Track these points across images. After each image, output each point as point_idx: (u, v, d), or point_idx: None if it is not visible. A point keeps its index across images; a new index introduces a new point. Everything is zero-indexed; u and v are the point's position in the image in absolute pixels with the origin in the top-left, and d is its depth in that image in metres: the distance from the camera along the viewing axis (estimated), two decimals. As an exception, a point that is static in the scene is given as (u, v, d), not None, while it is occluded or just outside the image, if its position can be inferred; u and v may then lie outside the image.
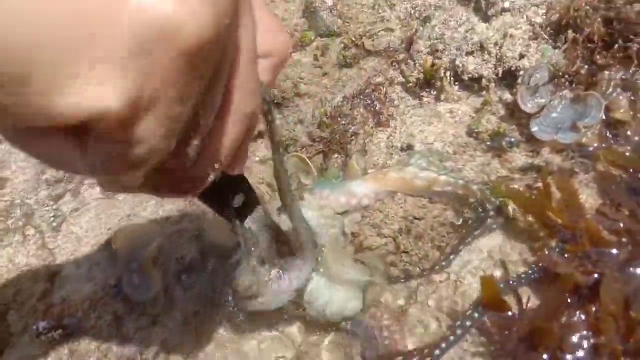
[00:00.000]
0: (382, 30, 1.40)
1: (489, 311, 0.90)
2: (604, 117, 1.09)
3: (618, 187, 1.01)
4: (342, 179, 1.18)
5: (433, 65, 1.23)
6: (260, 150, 1.34)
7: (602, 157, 1.07)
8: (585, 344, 0.85)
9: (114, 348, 1.03)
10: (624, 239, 0.96)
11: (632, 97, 1.11)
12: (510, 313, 0.89)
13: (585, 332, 0.87)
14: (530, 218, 1.02)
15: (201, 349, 1.05)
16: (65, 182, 1.33)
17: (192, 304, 1.11)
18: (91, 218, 1.28)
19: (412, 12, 1.40)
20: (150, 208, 1.24)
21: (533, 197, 1.02)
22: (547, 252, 0.96)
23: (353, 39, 1.42)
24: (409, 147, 1.16)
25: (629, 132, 1.09)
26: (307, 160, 1.19)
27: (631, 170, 1.03)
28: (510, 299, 0.95)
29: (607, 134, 1.09)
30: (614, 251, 0.95)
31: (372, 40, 1.39)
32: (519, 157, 1.14)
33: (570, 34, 1.15)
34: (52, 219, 1.28)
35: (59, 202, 1.32)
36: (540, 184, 1.06)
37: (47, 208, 1.30)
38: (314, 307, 1.01)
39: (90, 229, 1.26)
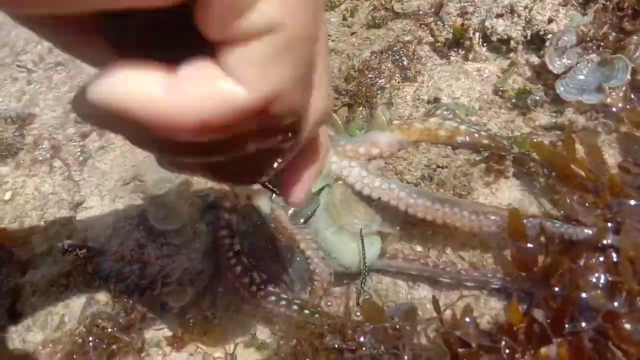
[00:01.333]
0: (412, -6, 1.43)
1: (513, 241, 0.92)
2: (630, 79, 1.11)
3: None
4: (366, 130, 1.20)
5: (463, 25, 1.25)
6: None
7: (625, 118, 1.09)
8: (602, 282, 0.87)
9: (136, 271, 1.05)
10: (644, 193, 0.98)
11: (659, 63, 1.13)
12: (530, 245, 0.91)
13: (603, 274, 0.89)
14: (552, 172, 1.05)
15: (222, 278, 1.07)
16: (93, 121, 1.35)
17: (214, 239, 1.13)
18: (117, 156, 1.30)
19: (443, -22, 1.43)
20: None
21: (557, 150, 1.04)
22: (568, 201, 0.98)
23: (383, 2, 1.44)
24: (436, 100, 1.18)
25: (654, 96, 1.11)
26: (332, 111, 1.21)
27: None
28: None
29: (632, 96, 1.11)
30: (633, 202, 0.97)
31: (402, 4, 1.41)
32: (543, 116, 1.16)
33: (595, 4, 1.17)
34: (79, 154, 1.31)
35: (85, 140, 1.34)
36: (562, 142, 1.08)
37: (74, 144, 1.32)
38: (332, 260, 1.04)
39: (115, 166, 1.28)
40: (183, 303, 1.03)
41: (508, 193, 1.10)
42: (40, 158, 1.28)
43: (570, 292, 0.82)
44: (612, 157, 1.09)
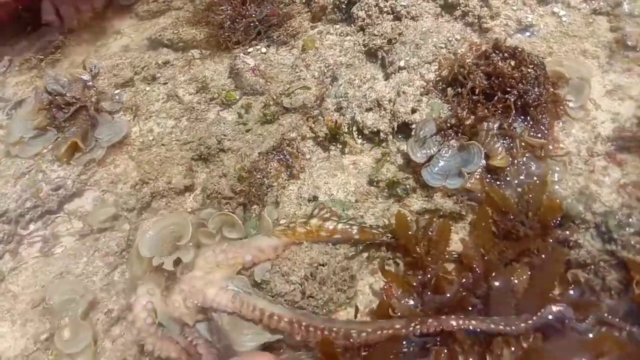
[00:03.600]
0: (299, 89, 1.52)
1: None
2: (484, 163, 1.21)
3: (485, 229, 1.14)
4: (256, 232, 1.26)
5: (336, 122, 1.35)
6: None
7: (485, 194, 1.18)
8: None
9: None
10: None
11: (510, 144, 1.23)
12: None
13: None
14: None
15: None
16: (4, 244, 1.40)
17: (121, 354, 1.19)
18: (28, 276, 1.36)
19: (326, 71, 1.53)
20: (81, 265, 1.33)
21: (417, 236, 1.14)
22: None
23: (274, 97, 1.53)
24: (315, 199, 1.27)
25: (508, 178, 1.21)
26: (233, 215, 1.26)
27: (504, 210, 1.15)
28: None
29: (489, 179, 1.20)
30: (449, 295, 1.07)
31: (290, 98, 1.51)
32: (416, 202, 1.25)
33: (451, 90, 1.28)
34: (-9, 276, 1.36)
35: (-2, 262, 1.40)
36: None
37: (-17, 267, 1.38)
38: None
39: (26, 287, 1.33)
40: None
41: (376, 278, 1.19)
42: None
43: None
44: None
